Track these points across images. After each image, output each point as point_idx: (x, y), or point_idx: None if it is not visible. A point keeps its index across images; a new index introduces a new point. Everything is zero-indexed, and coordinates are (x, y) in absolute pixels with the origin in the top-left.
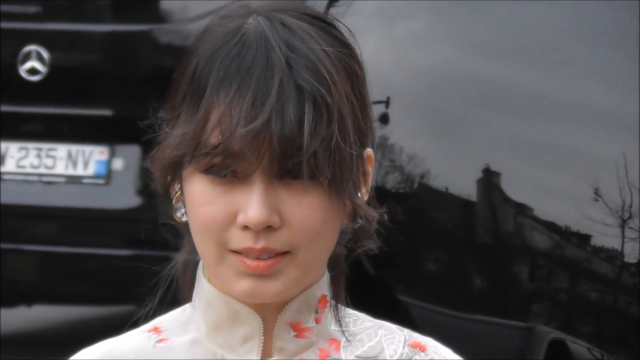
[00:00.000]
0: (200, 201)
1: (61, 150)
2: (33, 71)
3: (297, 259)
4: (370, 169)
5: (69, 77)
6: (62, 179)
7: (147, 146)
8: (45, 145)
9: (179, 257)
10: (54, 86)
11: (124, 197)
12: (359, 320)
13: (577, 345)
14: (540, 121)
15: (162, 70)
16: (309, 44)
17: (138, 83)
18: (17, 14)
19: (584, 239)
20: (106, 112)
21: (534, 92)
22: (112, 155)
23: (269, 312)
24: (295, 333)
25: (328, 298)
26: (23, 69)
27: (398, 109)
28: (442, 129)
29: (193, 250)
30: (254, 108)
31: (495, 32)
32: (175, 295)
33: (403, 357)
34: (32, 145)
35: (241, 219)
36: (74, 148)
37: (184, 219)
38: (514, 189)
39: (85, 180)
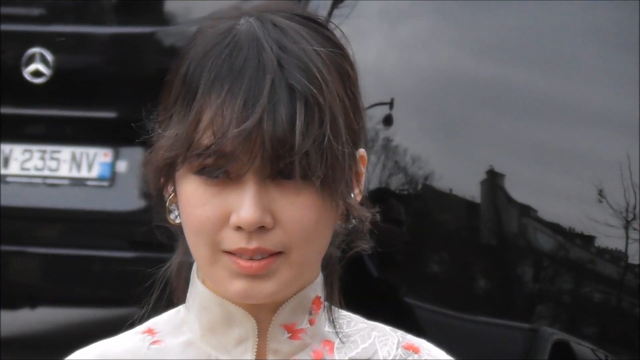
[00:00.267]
0: (193, 202)
1: (65, 152)
2: (37, 73)
3: (291, 259)
4: (364, 169)
5: (73, 79)
6: (66, 181)
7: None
8: (49, 148)
9: (173, 259)
10: (58, 88)
11: (128, 199)
12: (352, 322)
13: (581, 346)
14: (544, 123)
15: (166, 73)
16: (300, 45)
17: (142, 85)
18: (20, 16)
19: (588, 240)
20: (110, 114)
21: (538, 93)
22: (116, 157)
23: (263, 314)
24: (290, 334)
25: (322, 299)
26: (27, 72)
27: (402, 111)
28: (446, 130)
29: (187, 252)
30: (246, 109)
31: (499, 34)
32: (170, 296)
33: (397, 359)
34: (36, 148)
35: (234, 219)
36: (78, 150)
37: (178, 220)
38: (518, 190)
39: (89, 183)
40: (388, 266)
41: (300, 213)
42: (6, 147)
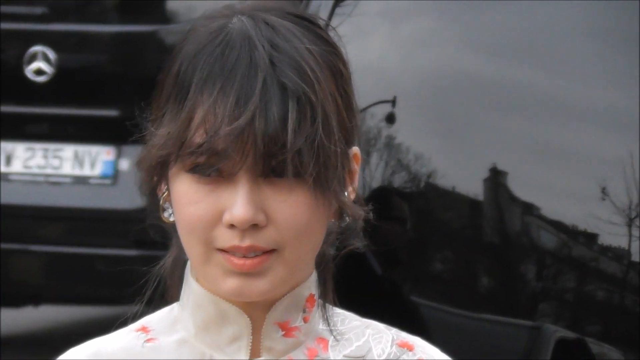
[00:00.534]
0: (186, 201)
1: (68, 150)
2: (39, 72)
3: (284, 257)
4: (357, 167)
5: (75, 77)
6: (68, 180)
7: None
8: (51, 146)
9: (167, 257)
10: (60, 87)
11: (131, 197)
12: (346, 320)
13: (584, 344)
14: (547, 120)
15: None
16: (292, 43)
17: (144, 83)
18: (22, 14)
19: (591, 238)
20: (112, 113)
21: (541, 91)
22: (119, 155)
23: (257, 312)
24: (284, 332)
25: (316, 297)
26: (29, 70)
27: (404, 109)
28: (448, 128)
29: (181, 250)
30: (238, 107)
31: (502, 32)
32: (163, 294)
33: (391, 357)
34: (38, 146)
35: (227, 217)
36: (81, 148)
37: (172, 219)
38: (521, 188)
39: (92, 181)
40: (392, 264)
41: (293, 211)
42: (8, 145)
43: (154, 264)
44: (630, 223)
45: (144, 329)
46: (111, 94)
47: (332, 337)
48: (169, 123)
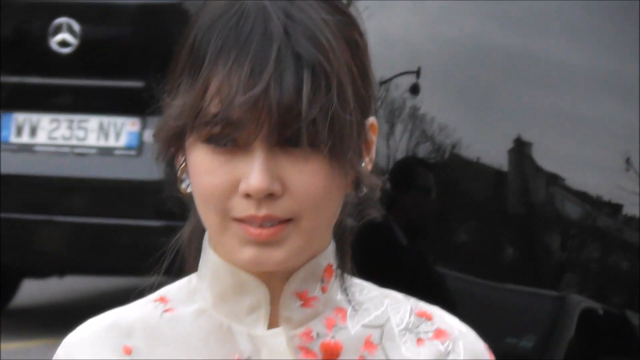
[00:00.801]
0: (203, 171)
1: (93, 122)
2: (64, 43)
3: (300, 226)
4: (374, 138)
5: (100, 49)
6: (93, 151)
7: None
8: (76, 117)
9: (185, 229)
10: (85, 58)
11: (156, 168)
12: (365, 290)
13: (608, 314)
14: (572, 91)
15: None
16: (307, 13)
17: (169, 54)
18: None
19: (615, 208)
20: (137, 84)
21: (565, 62)
22: (144, 126)
23: (275, 282)
24: (302, 302)
25: (334, 267)
26: (54, 42)
27: (429, 80)
28: (473, 99)
29: (199, 221)
30: (253, 76)
31: (527, 3)
32: (182, 265)
33: (409, 326)
34: (63, 117)
35: (243, 187)
36: (106, 120)
37: (189, 190)
38: (546, 159)
39: (117, 152)
40: (417, 235)
41: (309, 180)
42: (34, 117)
43: (172, 235)
44: None
45: (162, 299)
46: (136, 65)
47: (351, 307)
48: (185, 94)
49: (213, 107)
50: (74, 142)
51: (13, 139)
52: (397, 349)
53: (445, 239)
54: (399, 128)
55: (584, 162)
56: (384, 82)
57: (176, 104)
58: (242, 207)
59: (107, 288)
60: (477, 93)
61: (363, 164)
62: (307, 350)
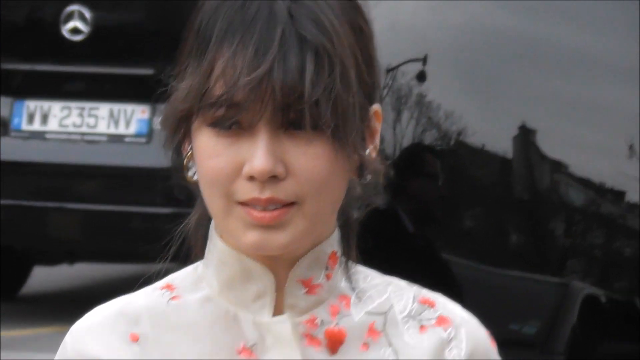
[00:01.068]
0: (207, 154)
1: (103, 109)
2: (75, 31)
3: (304, 209)
4: (379, 125)
5: (111, 36)
6: (104, 138)
7: None
8: (87, 105)
9: (191, 216)
10: (96, 46)
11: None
12: (368, 277)
13: (611, 301)
14: (576, 77)
15: None
16: None
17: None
18: None
19: (619, 195)
20: (148, 71)
21: (570, 48)
22: (154, 113)
23: (280, 269)
24: (306, 290)
25: (338, 255)
26: (65, 29)
27: (435, 67)
28: (479, 86)
29: (205, 208)
30: (257, 58)
31: None
32: (188, 253)
33: (412, 313)
34: (74, 105)
35: (247, 169)
36: (116, 107)
37: (196, 177)
38: (550, 145)
39: (127, 139)
40: (423, 221)
41: (312, 163)
42: (45, 104)
43: (179, 222)
44: None
45: (168, 287)
46: (146, 52)
47: (355, 294)
48: (190, 76)
49: (218, 89)
50: (84, 129)
51: (24, 126)
52: (400, 335)
53: (450, 225)
54: (405, 115)
55: (588, 148)
56: (391, 70)
57: (182, 87)
58: (246, 190)
59: (116, 275)
60: (483, 80)
61: (367, 151)
62: (311, 337)
